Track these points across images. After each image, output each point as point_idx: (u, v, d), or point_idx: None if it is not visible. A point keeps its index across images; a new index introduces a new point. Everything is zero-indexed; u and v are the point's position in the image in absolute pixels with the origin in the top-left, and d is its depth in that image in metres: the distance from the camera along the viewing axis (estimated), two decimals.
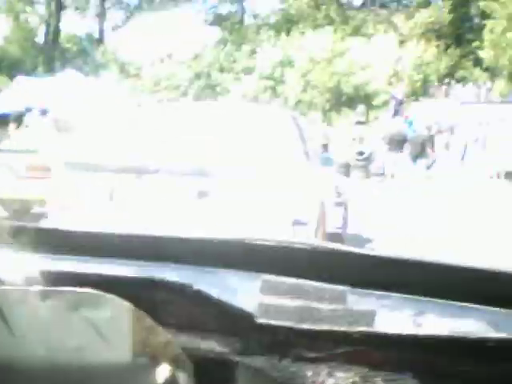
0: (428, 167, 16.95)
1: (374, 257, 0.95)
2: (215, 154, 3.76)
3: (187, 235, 1.03)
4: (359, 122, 20.66)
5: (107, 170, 3.87)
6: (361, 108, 21.04)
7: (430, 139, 17.62)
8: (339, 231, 6.09)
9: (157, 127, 3.97)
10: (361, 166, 17.52)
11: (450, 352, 0.74)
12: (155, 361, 0.75)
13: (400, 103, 22.20)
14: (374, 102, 25.64)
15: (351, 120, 21.77)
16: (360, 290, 0.86)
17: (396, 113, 21.37)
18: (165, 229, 1.06)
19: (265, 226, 3.63)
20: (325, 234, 4.85)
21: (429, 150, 17.11)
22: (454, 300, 0.83)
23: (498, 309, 0.81)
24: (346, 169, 17.39)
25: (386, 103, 24.65)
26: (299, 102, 26.73)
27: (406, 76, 27.91)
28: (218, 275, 0.93)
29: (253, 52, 30.78)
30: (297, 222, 4.11)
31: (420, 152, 16.10)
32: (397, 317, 0.81)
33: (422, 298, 0.84)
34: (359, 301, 0.83)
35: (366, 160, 17.79)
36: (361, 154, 18.52)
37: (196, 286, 0.82)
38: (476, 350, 0.73)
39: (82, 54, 34.63)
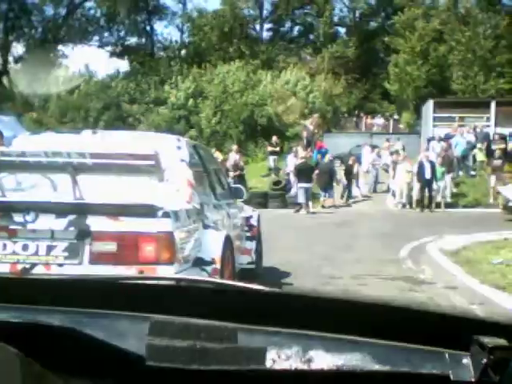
0: (342, 196, 17.19)
1: (261, 292, 0.93)
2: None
3: (70, 276, 1.06)
4: (273, 152, 20.64)
5: None
6: (274, 139, 21.07)
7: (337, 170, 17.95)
8: (252, 266, 5.69)
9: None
10: (278, 196, 17.55)
11: None
12: None
13: (312, 134, 22.35)
14: (288, 133, 25.79)
15: (266, 150, 21.74)
16: (249, 326, 0.83)
17: (309, 144, 21.50)
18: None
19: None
20: (233, 271, 4.38)
21: (340, 180, 17.46)
22: (340, 333, 0.82)
23: (384, 342, 0.81)
24: (264, 199, 17.32)
25: (298, 134, 24.84)
26: (214, 132, 26.47)
27: (317, 108, 28.39)
28: (104, 318, 0.87)
29: (163, 83, 30.38)
30: (198, 261, 3.68)
31: (328, 182, 16.37)
32: (286, 353, 0.79)
33: (311, 333, 0.82)
34: (249, 338, 0.80)
35: (283, 190, 17.81)
36: (277, 183, 18.50)
37: (82, 330, 0.81)
38: None
39: None
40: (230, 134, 25.89)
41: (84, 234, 3.22)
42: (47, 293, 0.94)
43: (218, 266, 3.76)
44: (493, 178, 16.25)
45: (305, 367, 0.78)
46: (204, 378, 0.77)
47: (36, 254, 3.24)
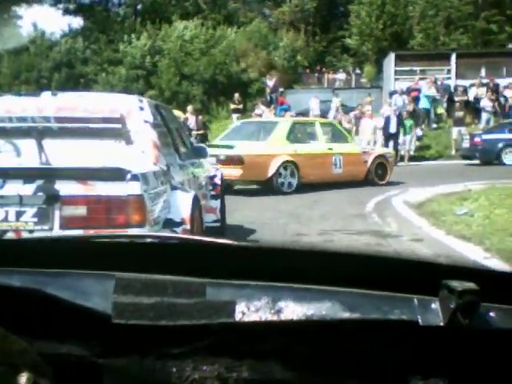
0: None
1: (229, 246, 0.91)
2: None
3: (31, 236, 0.92)
4: (236, 110, 20.37)
5: None
6: (236, 96, 20.76)
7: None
8: (217, 224, 5.77)
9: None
10: None
11: (309, 336, 0.78)
12: (14, 369, 0.72)
13: (274, 91, 22.09)
14: (250, 90, 25.44)
15: (229, 108, 21.44)
16: (218, 281, 0.82)
17: (271, 100, 21.26)
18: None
19: None
20: (201, 230, 4.44)
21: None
22: (309, 283, 0.82)
23: (353, 290, 0.81)
24: None
25: (260, 91, 24.51)
26: (176, 93, 25.89)
27: (278, 64, 28.00)
28: (69, 277, 0.85)
29: (115, 42, 29.42)
30: (168, 223, 3.66)
31: None
32: (255, 305, 0.79)
33: (279, 284, 0.82)
34: (218, 292, 0.80)
35: None
36: None
37: (45, 290, 0.79)
38: (333, 333, 0.77)
39: None
40: (193, 94, 25.36)
41: (53, 199, 3.19)
42: (7, 253, 0.91)
43: (188, 226, 3.75)
44: (454, 130, 16.40)
45: (274, 318, 0.78)
46: (173, 334, 0.76)
47: (6, 220, 3.20)
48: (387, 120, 15.19)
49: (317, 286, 0.82)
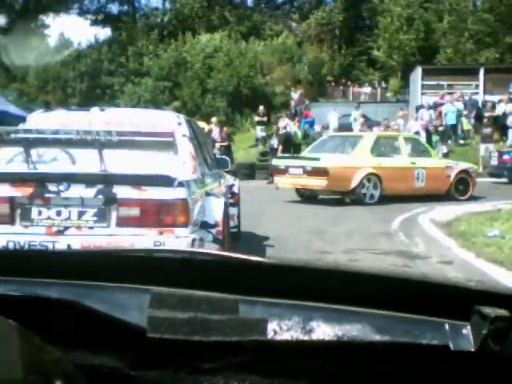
0: None
1: (262, 264, 0.92)
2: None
3: (69, 249, 0.97)
4: (260, 122, 20.30)
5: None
6: (261, 109, 20.68)
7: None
8: (235, 230, 6.21)
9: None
10: (265, 167, 17.22)
11: (339, 357, 0.78)
12: (48, 379, 0.72)
13: (298, 104, 22.01)
14: (274, 103, 25.39)
15: (253, 120, 21.39)
16: (251, 298, 0.83)
17: (296, 113, 21.16)
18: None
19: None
20: (229, 234, 4.87)
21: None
22: (339, 304, 0.82)
23: (383, 312, 0.81)
24: (251, 169, 17.03)
25: (284, 104, 24.44)
26: (199, 105, 25.93)
27: (303, 77, 27.93)
28: (105, 290, 0.86)
29: (141, 54, 29.60)
30: (204, 225, 4.08)
31: None
32: (287, 324, 0.79)
33: (311, 304, 0.82)
34: (250, 310, 0.81)
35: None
36: (264, 154, 18.20)
37: (81, 302, 0.81)
38: (362, 355, 0.77)
39: None
40: (217, 106, 25.38)
41: (111, 201, 3.69)
42: (45, 265, 0.92)
43: (220, 228, 4.14)
44: (482, 147, 16.08)
45: (305, 338, 0.78)
46: (205, 349, 0.77)
47: (68, 219, 3.70)
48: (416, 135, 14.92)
49: (347, 307, 0.82)
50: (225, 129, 18.34)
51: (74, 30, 45.40)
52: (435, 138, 15.13)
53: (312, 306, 0.82)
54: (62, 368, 0.75)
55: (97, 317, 0.79)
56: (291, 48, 29.41)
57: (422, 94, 19.51)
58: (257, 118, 20.55)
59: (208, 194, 4.37)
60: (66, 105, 27.68)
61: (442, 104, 17.13)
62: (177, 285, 0.83)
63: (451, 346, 0.76)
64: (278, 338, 0.78)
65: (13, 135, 3.81)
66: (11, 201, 3.69)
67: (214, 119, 18.36)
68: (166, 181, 3.65)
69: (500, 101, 18.19)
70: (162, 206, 3.67)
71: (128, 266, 0.92)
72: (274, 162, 12.63)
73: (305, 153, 12.67)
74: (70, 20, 46.46)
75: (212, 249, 3.95)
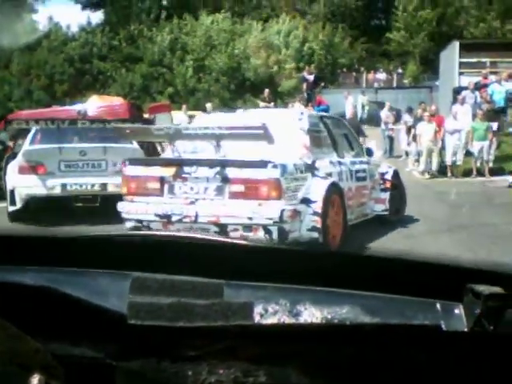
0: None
1: (247, 247, 0.90)
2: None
3: (48, 233, 0.97)
4: (266, 108, 17.59)
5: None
6: (266, 93, 17.97)
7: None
8: (386, 213, 6.93)
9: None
10: None
11: (328, 340, 0.76)
12: (26, 370, 0.71)
13: (312, 88, 19.25)
14: (280, 88, 22.69)
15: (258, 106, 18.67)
16: (236, 282, 0.80)
17: (309, 98, 18.45)
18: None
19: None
20: (341, 212, 5.69)
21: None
22: (328, 286, 0.80)
23: (374, 294, 0.79)
24: None
25: (295, 88, 21.72)
26: (193, 90, 23.31)
27: (314, 60, 25.25)
28: (84, 276, 0.85)
29: (134, 38, 27.15)
30: (305, 200, 5.20)
31: None
32: (274, 308, 0.77)
33: (299, 287, 0.80)
34: (235, 294, 0.78)
35: None
36: None
37: (59, 289, 0.79)
38: (353, 337, 0.76)
39: None
40: (212, 91, 22.73)
41: (225, 180, 5.10)
42: (20, 250, 0.89)
43: (320, 204, 5.25)
44: None
45: (293, 321, 0.76)
46: (189, 336, 0.75)
47: (197, 193, 5.18)
48: None
49: (336, 289, 0.79)
50: None
51: (64, 15, 42.89)
52: (484, 124, 12.20)
53: (300, 288, 0.78)
54: (41, 359, 0.72)
55: (76, 304, 0.77)
56: (297, 28, 26.81)
57: (460, 74, 16.49)
58: (262, 104, 17.72)
59: (315, 175, 5.45)
60: (51, 93, 25.40)
61: (485, 85, 14.19)
62: (159, 270, 0.78)
63: (443, 326, 0.74)
64: (265, 321, 0.75)
65: (160, 131, 5.67)
66: (161, 179, 5.28)
67: (208, 105, 16.21)
68: (262, 163, 4.98)
69: None
70: (259, 183, 5.02)
71: (108, 251, 0.87)
72: None
73: None
74: (60, 4, 43.83)
75: (311, 221, 5.18)
